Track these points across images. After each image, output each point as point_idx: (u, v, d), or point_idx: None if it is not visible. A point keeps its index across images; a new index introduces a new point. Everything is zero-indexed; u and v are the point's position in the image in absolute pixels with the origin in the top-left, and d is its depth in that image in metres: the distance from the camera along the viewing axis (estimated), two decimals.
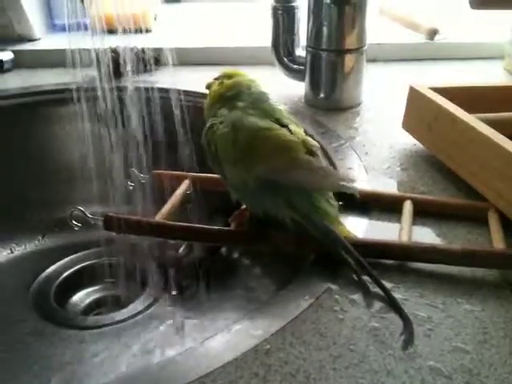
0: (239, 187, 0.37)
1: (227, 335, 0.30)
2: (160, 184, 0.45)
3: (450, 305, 0.32)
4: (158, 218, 0.40)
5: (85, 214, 0.42)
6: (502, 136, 0.39)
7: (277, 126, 0.37)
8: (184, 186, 0.44)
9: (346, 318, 0.31)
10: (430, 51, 0.79)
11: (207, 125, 0.39)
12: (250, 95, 0.40)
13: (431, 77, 0.72)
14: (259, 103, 0.39)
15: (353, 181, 0.36)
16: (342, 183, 0.36)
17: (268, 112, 0.38)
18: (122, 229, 0.38)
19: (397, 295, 0.32)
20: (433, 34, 0.79)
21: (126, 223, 0.38)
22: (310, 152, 0.36)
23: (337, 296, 0.33)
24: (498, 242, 0.36)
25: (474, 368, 0.27)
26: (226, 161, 0.37)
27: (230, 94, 0.40)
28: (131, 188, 0.47)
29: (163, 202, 0.42)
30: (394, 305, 0.31)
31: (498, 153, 0.38)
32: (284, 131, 0.36)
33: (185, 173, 0.46)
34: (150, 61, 0.67)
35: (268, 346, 0.29)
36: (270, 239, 0.38)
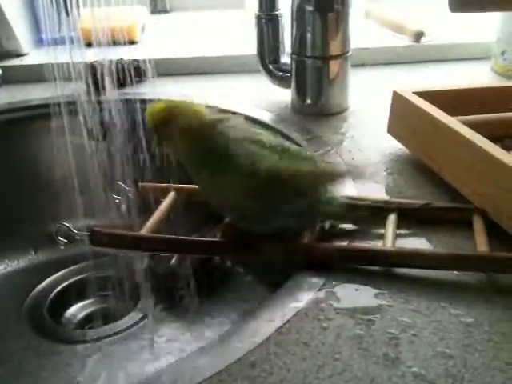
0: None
1: (212, 348, 0.30)
2: (146, 196, 0.45)
3: (435, 309, 0.32)
4: (144, 231, 0.39)
5: (70, 230, 0.42)
6: (483, 138, 0.39)
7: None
8: (170, 197, 0.44)
9: (331, 326, 0.31)
10: (417, 54, 0.79)
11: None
12: None
13: (419, 79, 0.72)
14: None
15: None
16: None
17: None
18: (108, 243, 0.38)
19: (382, 301, 0.32)
20: (419, 36, 0.79)
21: (111, 238, 0.38)
22: None
23: (322, 304, 0.33)
24: (482, 245, 0.35)
25: (457, 373, 0.27)
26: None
27: None
28: (118, 201, 0.46)
29: (150, 214, 0.42)
30: None
31: (480, 155, 0.38)
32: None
33: (170, 184, 0.46)
34: (137, 72, 0.67)
35: (253, 358, 0.29)
36: (257, 249, 0.38)
